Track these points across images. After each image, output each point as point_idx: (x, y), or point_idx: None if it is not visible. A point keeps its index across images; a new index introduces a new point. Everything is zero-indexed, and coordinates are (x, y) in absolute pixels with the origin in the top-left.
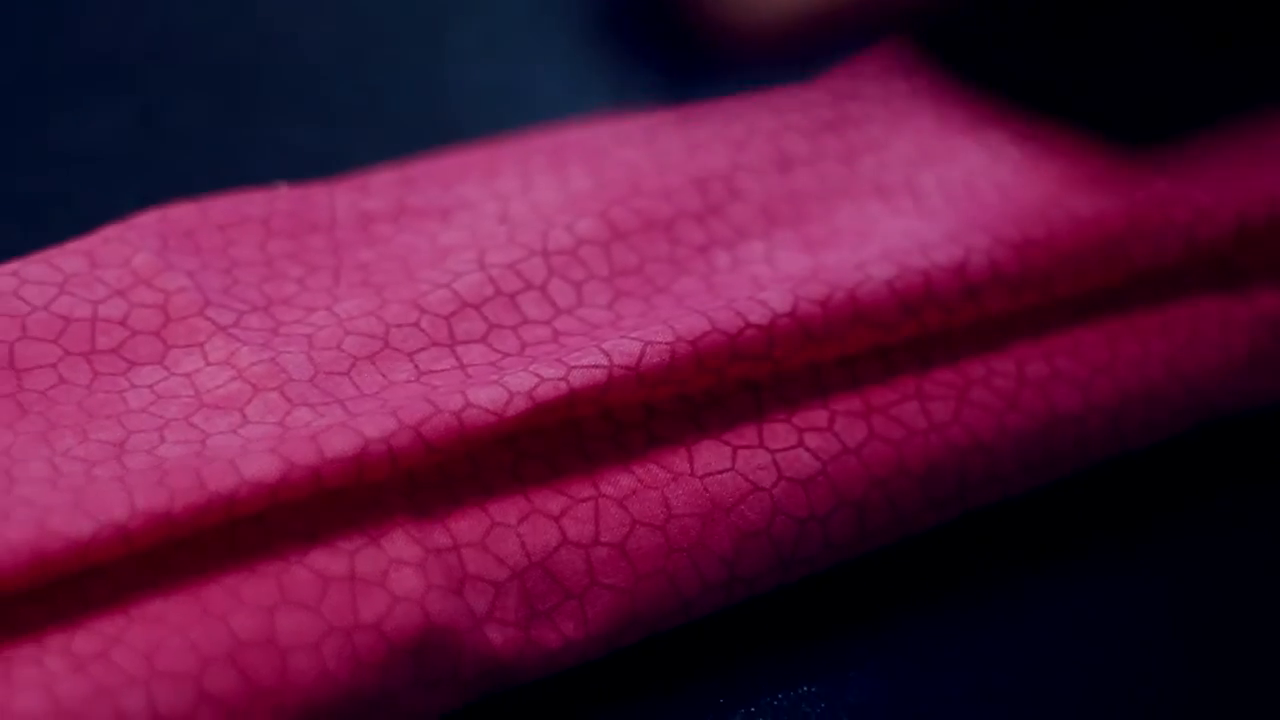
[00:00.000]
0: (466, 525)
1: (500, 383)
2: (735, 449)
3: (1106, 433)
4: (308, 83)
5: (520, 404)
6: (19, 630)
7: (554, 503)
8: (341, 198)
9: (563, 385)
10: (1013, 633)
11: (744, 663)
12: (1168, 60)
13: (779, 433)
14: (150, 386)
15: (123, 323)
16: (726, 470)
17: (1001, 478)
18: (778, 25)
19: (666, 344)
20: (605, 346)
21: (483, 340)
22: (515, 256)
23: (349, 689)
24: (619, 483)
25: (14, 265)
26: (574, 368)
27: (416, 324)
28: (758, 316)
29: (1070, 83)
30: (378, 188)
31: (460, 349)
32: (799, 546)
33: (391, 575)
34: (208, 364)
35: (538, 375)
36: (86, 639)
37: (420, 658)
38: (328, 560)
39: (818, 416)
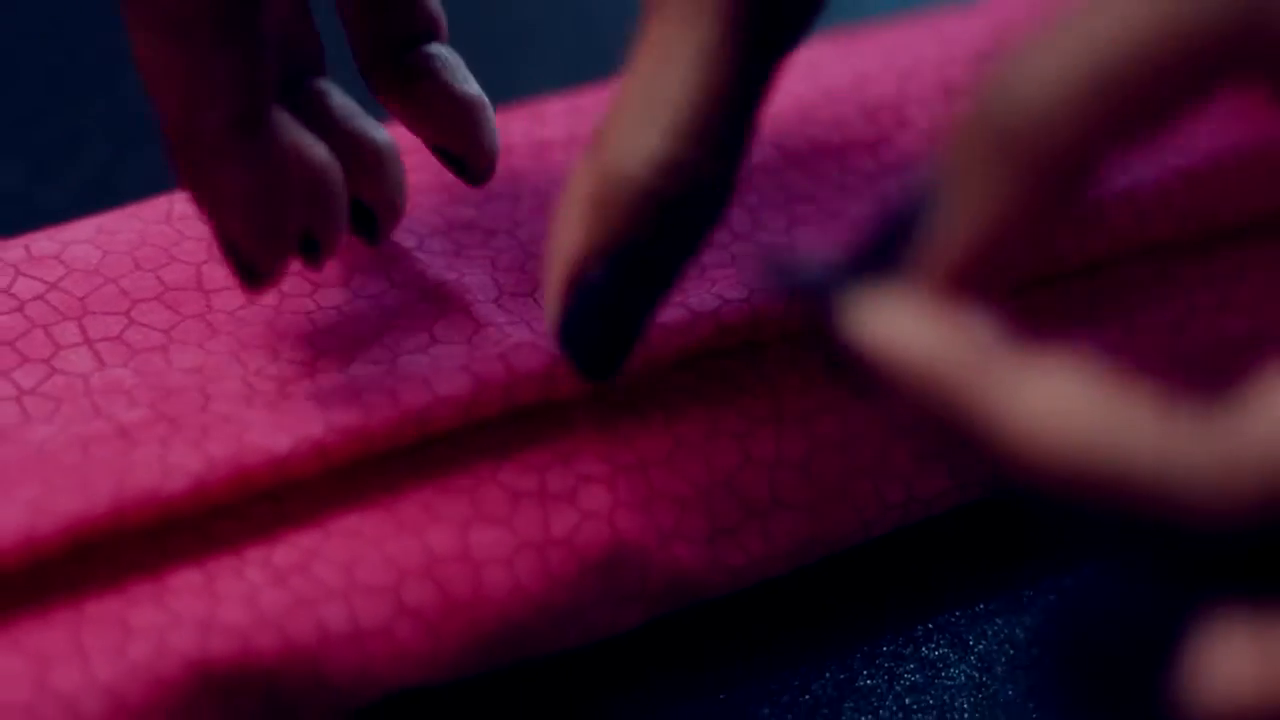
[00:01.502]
0: (652, 444)
1: (684, 304)
2: None
3: None
4: (466, 14)
5: (704, 326)
6: (220, 544)
7: (737, 423)
8: (516, 125)
9: (745, 307)
10: None
11: (923, 582)
12: None
13: None
14: (336, 308)
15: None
16: None
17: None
18: None
19: None
20: None
21: None
22: None
23: (541, 603)
24: (800, 405)
25: None
26: (755, 290)
27: None
28: None
29: None
30: (551, 116)
31: None
32: (975, 468)
33: (580, 492)
34: (392, 286)
35: (720, 297)
36: (286, 552)
37: (610, 572)
38: (518, 477)
39: None
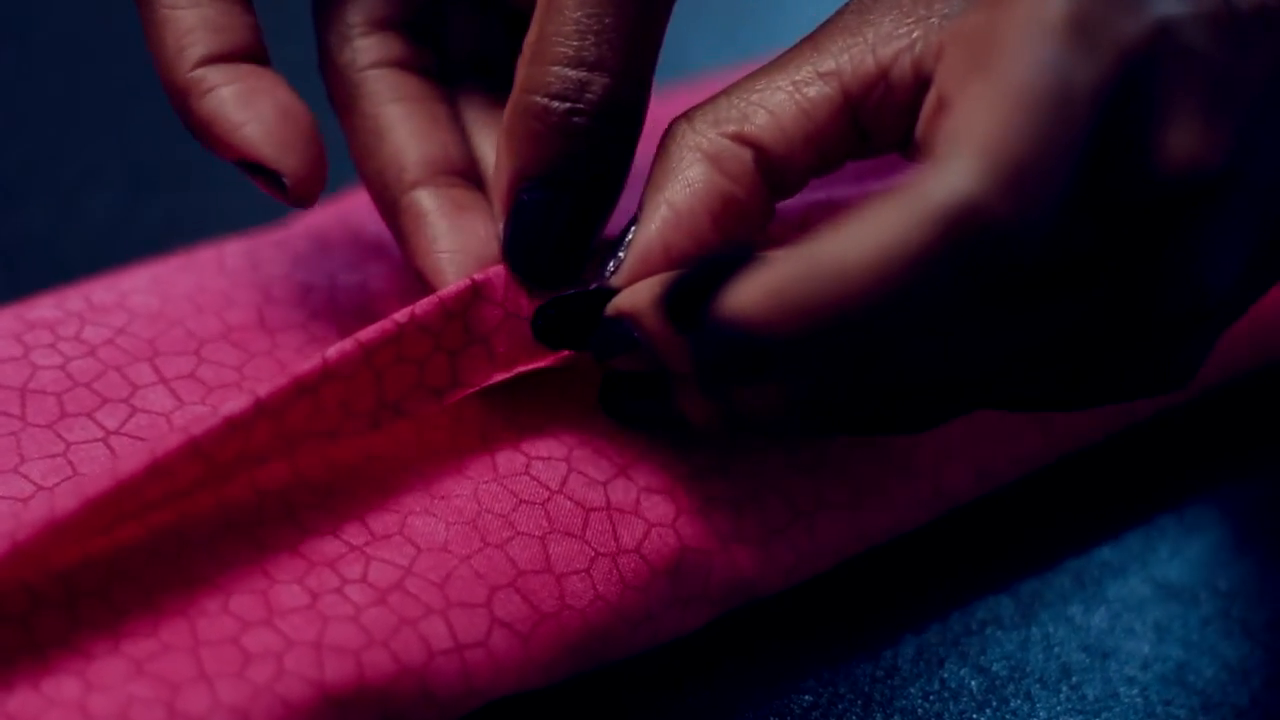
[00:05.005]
0: (704, 456)
1: None
2: None
3: None
4: None
5: None
6: (318, 564)
7: None
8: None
9: None
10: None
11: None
12: None
13: None
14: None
15: (362, 287)
16: None
17: None
18: None
19: None
20: None
21: None
22: None
23: (617, 610)
24: None
25: (245, 245)
26: None
27: None
28: None
29: None
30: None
31: None
32: (996, 464)
33: (643, 503)
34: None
35: None
36: (380, 570)
37: (676, 578)
38: (585, 491)
39: None
